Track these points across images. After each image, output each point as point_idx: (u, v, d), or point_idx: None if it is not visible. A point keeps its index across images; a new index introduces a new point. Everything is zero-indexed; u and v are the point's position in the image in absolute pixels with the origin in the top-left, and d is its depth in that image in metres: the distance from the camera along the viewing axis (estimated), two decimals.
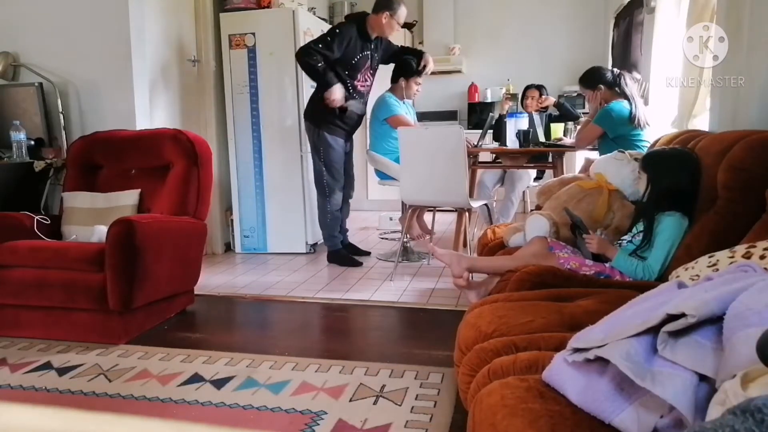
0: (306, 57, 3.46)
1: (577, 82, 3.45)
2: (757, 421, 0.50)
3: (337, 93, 3.50)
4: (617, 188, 2.27)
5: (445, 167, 3.22)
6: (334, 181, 3.80)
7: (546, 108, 4.54)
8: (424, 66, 3.88)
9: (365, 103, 3.88)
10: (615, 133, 3.13)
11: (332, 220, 3.85)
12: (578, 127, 3.86)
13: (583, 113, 5.08)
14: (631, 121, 3.06)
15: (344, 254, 3.90)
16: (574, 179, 2.61)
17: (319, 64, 3.44)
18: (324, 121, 3.67)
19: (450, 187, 3.25)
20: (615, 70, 3.29)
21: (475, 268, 2.15)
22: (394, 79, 3.95)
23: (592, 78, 3.29)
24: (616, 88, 3.16)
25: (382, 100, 3.96)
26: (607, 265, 1.93)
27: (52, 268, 2.43)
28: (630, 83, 3.15)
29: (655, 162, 1.99)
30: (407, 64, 3.89)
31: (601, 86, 3.23)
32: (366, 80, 3.78)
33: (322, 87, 3.54)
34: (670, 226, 1.84)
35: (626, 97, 3.11)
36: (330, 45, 3.48)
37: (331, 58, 3.49)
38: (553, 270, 1.81)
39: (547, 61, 6.01)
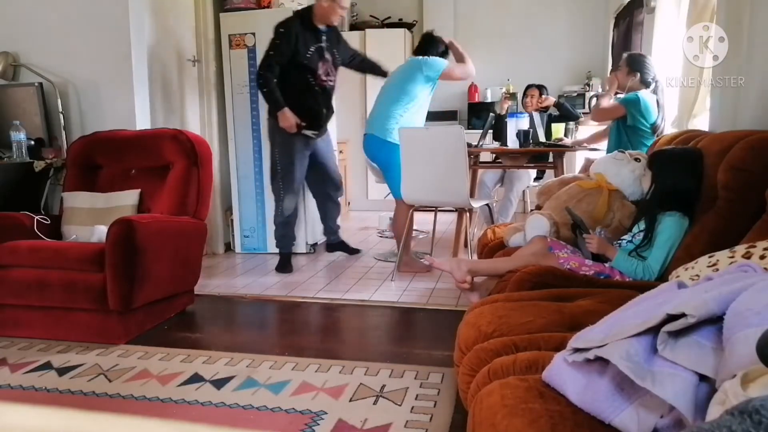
0: (263, 72, 3.37)
1: (623, 57, 3.32)
2: (755, 422, 0.50)
3: (289, 118, 3.41)
4: (617, 188, 2.27)
5: (446, 167, 3.22)
6: (285, 186, 3.59)
7: (546, 108, 4.54)
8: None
9: (329, 99, 3.67)
10: (633, 121, 3.07)
11: (282, 224, 3.70)
12: (595, 103, 3.64)
13: (583, 113, 5.09)
14: (654, 130, 3.05)
15: (286, 259, 3.69)
16: (575, 179, 2.61)
17: (269, 86, 3.36)
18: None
19: (451, 187, 3.24)
20: (655, 74, 3.24)
21: (477, 271, 2.15)
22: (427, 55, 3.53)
23: (638, 63, 3.19)
24: (649, 88, 3.16)
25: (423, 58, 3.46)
26: (606, 265, 1.93)
27: (52, 268, 2.43)
28: (662, 93, 3.15)
29: (662, 161, 1.99)
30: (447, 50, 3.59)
31: (638, 75, 3.15)
32: (329, 74, 3.56)
33: (273, 110, 3.46)
34: (670, 226, 1.84)
35: (657, 103, 3.10)
36: (280, 47, 3.37)
37: (284, 61, 3.38)
38: (552, 270, 1.81)
39: (547, 60, 6.01)
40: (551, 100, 4.55)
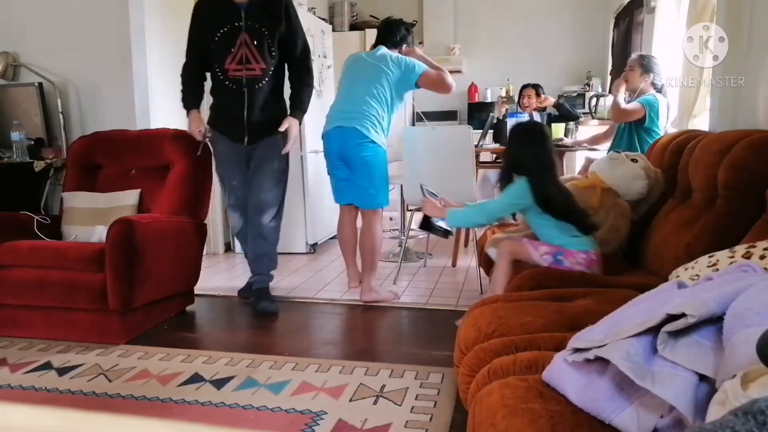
0: (182, 72, 2.86)
1: (634, 58, 3.31)
2: (759, 423, 0.50)
3: (189, 123, 2.81)
4: (611, 187, 2.28)
5: (453, 168, 3.19)
6: (223, 192, 3.07)
7: (545, 108, 4.54)
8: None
9: (245, 94, 2.73)
10: (650, 124, 3.08)
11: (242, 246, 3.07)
12: (611, 102, 3.42)
13: (583, 113, 5.09)
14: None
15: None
16: (572, 179, 2.61)
17: (182, 85, 2.85)
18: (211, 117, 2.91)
19: (457, 188, 3.19)
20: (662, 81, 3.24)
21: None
22: (396, 44, 3.15)
23: (652, 64, 3.20)
24: (659, 91, 3.15)
25: (395, 57, 3.01)
26: (441, 222, 2.31)
27: (52, 268, 2.43)
28: (667, 95, 3.14)
29: (511, 135, 2.27)
30: (410, 30, 3.26)
31: (651, 76, 3.15)
32: (248, 61, 2.68)
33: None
34: (516, 186, 2.09)
35: (667, 105, 3.10)
36: (189, 35, 2.80)
37: (197, 52, 2.78)
38: (550, 272, 1.82)
39: (547, 61, 6.01)
40: (551, 100, 4.54)
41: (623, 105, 3.19)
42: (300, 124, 2.91)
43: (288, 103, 2.96)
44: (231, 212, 2.97)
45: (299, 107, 2.87)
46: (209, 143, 2.88)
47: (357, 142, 2.91)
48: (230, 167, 2.87)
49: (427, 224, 2.55)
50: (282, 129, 2.79)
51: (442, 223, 2.50)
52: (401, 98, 3.07)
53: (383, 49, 3.07)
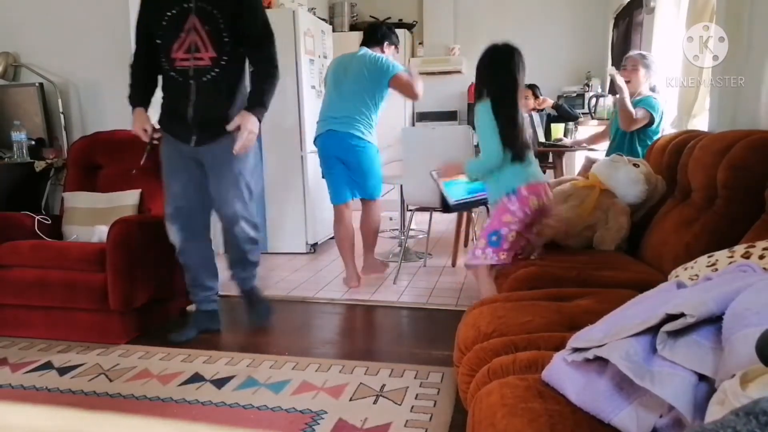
0: (130, 64, 2.50)
1: (635, 56, 3.25)
2: (762, 424, 0.50)
3: (134, 122, 2.43)
4: (609, 188, 2.29)
5: None
6: (166, 204, 2.50)
7: (542, 109, 4.54)
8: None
9: (191, 87, 2.32)
10: (654, 127, 3.04)
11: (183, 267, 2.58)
12: (618, 108, 3.28)
13: (583, 113, 5.08)
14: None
15: (204, 316, 2.60)
16: (572, 180, 2.62)
17: (130, 80, 2.47)
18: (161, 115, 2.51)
19: None
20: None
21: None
22: (377, 42, 3.30)
23: (653, 64, 3.17)
24: (653, 91, 3.14)
25: (373, 57, 3.18)
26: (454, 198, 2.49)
27: (52, 268, 2.43)
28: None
29: (479, 60, 2.19)
30: (392, 29, 3.38)
31: (650, 75, 3.12)
32: (197, 49, 2.29)
33: None
34: (480, 116, 2.06)
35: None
36: (138, 21, 2.46)
37: (145, 38, 2.41)
38: (548, 273, 1.83)
39: (547, 61, 5.99)
40: (549, 101, 4.54)
41: (630, 112, 3.07)
42: (260, 120, 2.39)
43: None
44: (169, 225, 2.46)
45: (256, 101, 2.38)
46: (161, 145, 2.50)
47: (353, 144, 3.17)
48: (172, 171, 2.47)
49: (446, 205, 2.72)
50: (231, 127, 2.32)
51: (453, 198, 2.70)
52: (382, 96, 3.24)
53: (364, 49, 3.27)
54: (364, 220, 3.42)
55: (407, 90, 3.22)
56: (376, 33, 3.32)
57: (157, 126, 2.47)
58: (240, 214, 2.47)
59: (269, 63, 2.40)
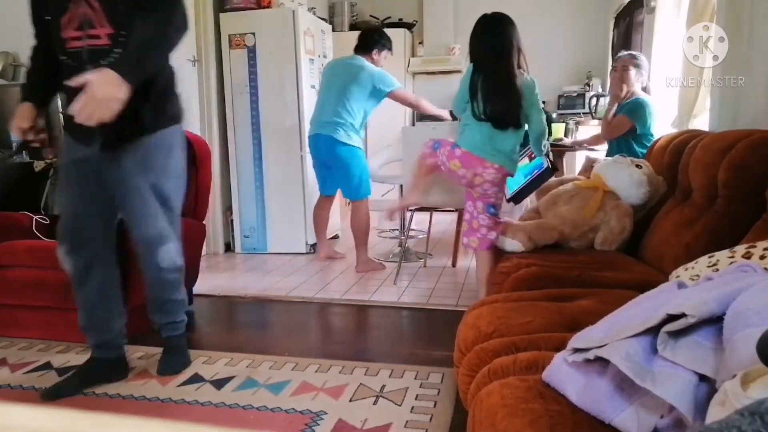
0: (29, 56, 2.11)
1: (626, 56, 3.24)
2: (766, 423, 0.50)
3: (15, 117, 2.01)
4: (613, 190, 2.29)
5: None
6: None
7: None
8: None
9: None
10: (642, 129, 3.00)
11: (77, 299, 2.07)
12: (605, 117, 3.39)
13: (583, 113, 5.08)
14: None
15: (94, 370, 2.06)
16: (574, 179, 2.62)
17: (29, 69, 2.13)
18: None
19: (456, 187, 3.19)
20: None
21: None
22: (367, 48, 3.59)
23: (645, 63, 3.16)
24: (645, 90, 3.13)
25: (366, 72, 3.47)
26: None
27: (48, 268, 2.41)
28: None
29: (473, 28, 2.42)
30: (383, 35, 3.63)
31: (641, 75, 3.10)
32: (90, 24, 1.82)
33: None
34: (463, 76, 2.39)
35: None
36: (30, 3, 2.04)
37: (39, 22, 2.01)
38: (545, 274, 1.83)
39: (547, 61, 5.98)
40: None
41: (609, 127, 3.15)
42: (131, 84, 1.68)
43: (179, 97, 2.07)
44: (62, 250, 2.02)
45: (127, 56, 1.75)
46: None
47: (333, 147, 3.48)
48: (64, 181, 2.05)
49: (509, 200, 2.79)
50: (75, 83, 1.63)
51: (510, 191, 2.73)
52: (371, 105, 3.57)
53: (359, 59, 3.54)
54: (351, 219, 3.68)
55: (406, 104, 3.77)
56: (366, 41, 3.59)
57: (44, 125, 2.05)
58: (159, 238, 2.00)
59: (163, 23, 1.82)
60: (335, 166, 3.57)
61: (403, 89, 3.62)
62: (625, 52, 3.38)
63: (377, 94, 3.52)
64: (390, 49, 3.68)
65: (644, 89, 3.16)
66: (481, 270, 2.41)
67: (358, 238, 3.63)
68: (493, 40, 2.30)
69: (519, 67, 2.31)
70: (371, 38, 3.60)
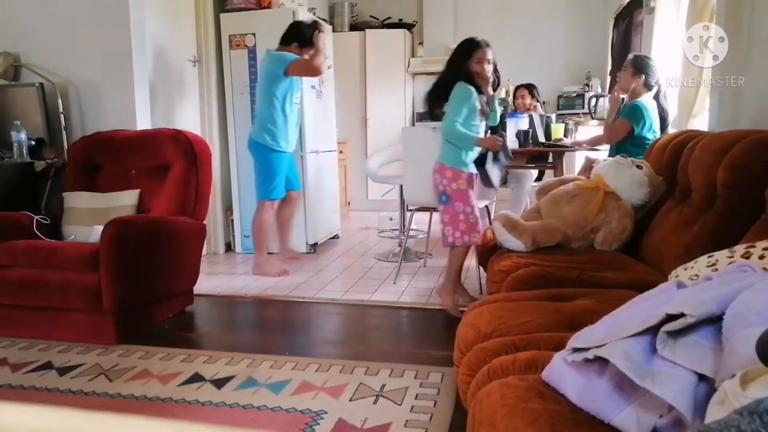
0: None
1: (629, 58, 3.24)
2: (765, 423, 0.50)
3: None
4: (614, 190, 2.29)
5: None
6: None
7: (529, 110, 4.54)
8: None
9: None
10: (640, 131, 3.01)
11: None
12: (605, 121, 3.44)
13: (583, 113, 5.08)
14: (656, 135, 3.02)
15: None
16: (575, 180, 2.62)
17: None
18: None
19: None
20: (659, 78, 3.20)
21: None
22: (284, 44, 3.46)
23: (644, 65, 3.13)
24: (651, 92, 3.13)
25: (269, 56, 3.40)
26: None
27: (47, 268, 2.43)
28: (665, 99, 3.11)
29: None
30: (302, 30, 3.45)
31: (643, 77, 3.08)
32: None
33: None
34: (453, 96, 2.58)
35: (661, 109, 3.07)
36: None
37: None
38: (544, 274, 1.83)
39: (547, 61, 6.00)
40: (539, 109, 4.57)
41: (610, 131, 3.16)
42: None
43: None
44: None
45: None
46: None
47: (251, 147, 3.55)
48: None
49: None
50: None
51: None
52: (285, 89, 3.40)
53: (271, 51, 3.44)
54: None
55: (305, 70, 3.42)
56: (287, 35, 3.47)
57: None
58: None
59: None
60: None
61: (295, 59, 3.34)
62: (632, 54, 3.38)
63: (277, 75, 3.36)
64: (314, 44, 3.43)
65: (657, 92, 3.13)
66: (448, 266, 2.67)
67: (253, 240, 3.66)
68: (452, 66, 2.66)
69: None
70: (292, 32, 3.46)
